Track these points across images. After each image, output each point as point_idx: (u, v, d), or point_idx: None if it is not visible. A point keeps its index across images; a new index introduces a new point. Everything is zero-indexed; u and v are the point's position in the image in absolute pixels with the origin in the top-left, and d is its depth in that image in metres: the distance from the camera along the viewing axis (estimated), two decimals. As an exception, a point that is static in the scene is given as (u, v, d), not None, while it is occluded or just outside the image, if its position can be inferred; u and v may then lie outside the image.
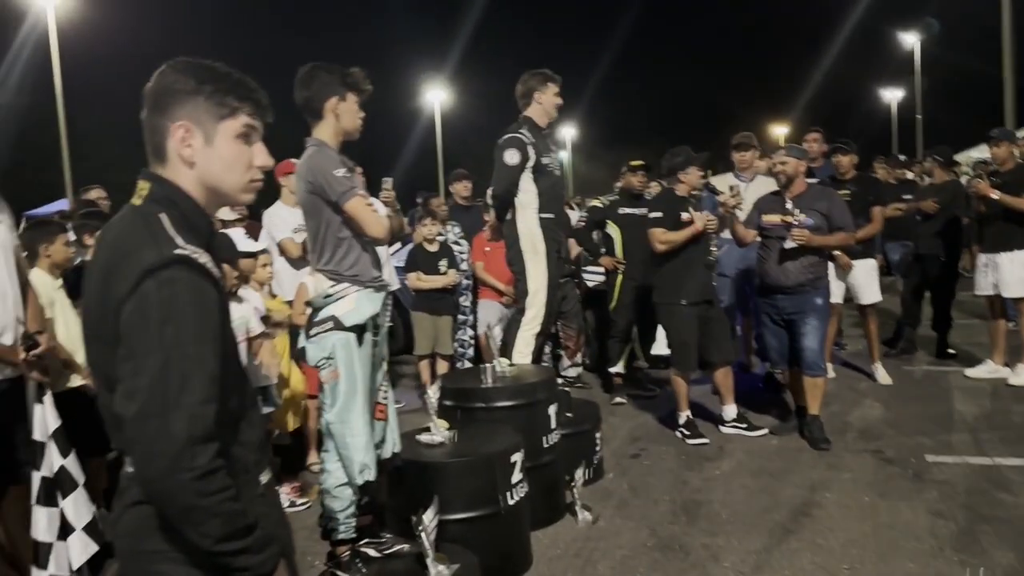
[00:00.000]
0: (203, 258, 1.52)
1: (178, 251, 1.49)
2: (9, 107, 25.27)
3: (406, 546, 3.22)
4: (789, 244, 5.02)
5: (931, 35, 37.72)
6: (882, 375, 6.59)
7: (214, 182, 1.64)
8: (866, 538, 3.80)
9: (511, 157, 4.75)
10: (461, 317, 7.05)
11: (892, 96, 44.38)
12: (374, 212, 3.16)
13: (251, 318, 4.17)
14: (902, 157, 9.81)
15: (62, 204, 11.74)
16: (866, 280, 6.53)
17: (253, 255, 4.40)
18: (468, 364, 6.94)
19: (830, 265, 5.46)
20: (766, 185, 5.91)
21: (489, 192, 5.07)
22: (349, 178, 3.07)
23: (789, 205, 5.06)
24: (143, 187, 1.62)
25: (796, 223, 4.99)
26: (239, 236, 4.49)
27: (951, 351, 7.34)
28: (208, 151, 1.61)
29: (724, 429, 5.54)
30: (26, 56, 24.89)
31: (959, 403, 5.93)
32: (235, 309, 3.85)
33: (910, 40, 37.15)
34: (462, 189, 7.74)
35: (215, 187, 1.65)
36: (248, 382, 1.76)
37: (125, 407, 1.44)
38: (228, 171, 1.64)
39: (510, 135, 4.83)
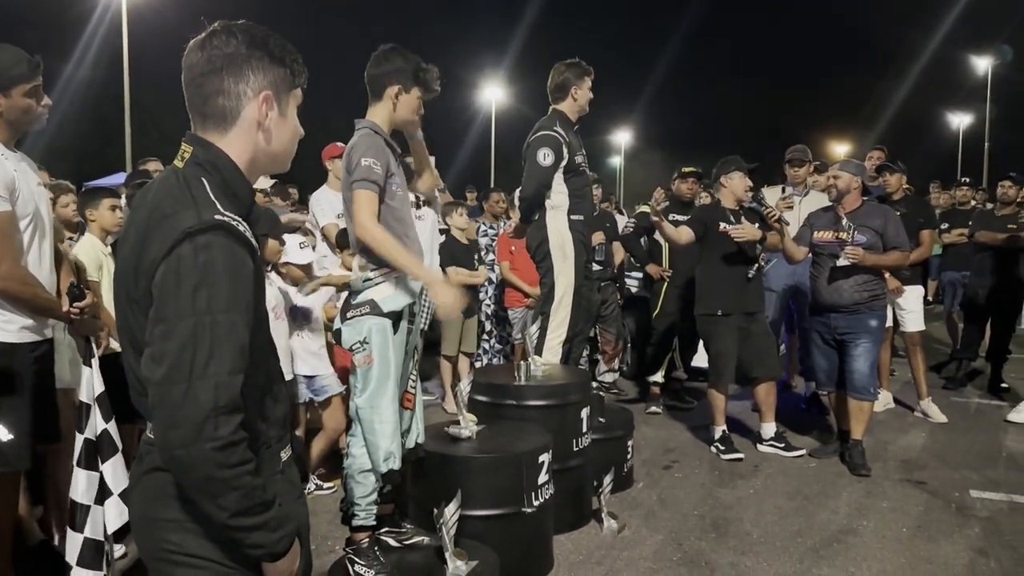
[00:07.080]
0: (241, 226, 1.49)
1: (218, 216, 1.46)
2: (83, 81, 26.02)
3: (426, 539, 3.19)
4: (842, 262, 4.87)
5: (1004, 61, 36.70)
6: (935, 412, 6.22)
7: (279, 150, 1.65)
8: (901, 571, 3.65)
9: (545, 157, 4.53)
10: (482, 318, 6.92)
11: (960, 121, 43.25)
12: (370, 213, 2.98)
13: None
14: (965, 180, 9.37)
15: (120, 177, 11.96)
16: (912, 306, 6.32)
17: (305, 267, 4.42)
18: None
19: None
20: (819, 200, 5.74)
21: (517, 192, 4.86)
22: (373, 169, 2.96)
23: (844, 221, 4.90)
24: (186, 150, 1.59)
25: (849, 240, 4.84)
26: (294, 246, 4.46)
27: (1004, 385, 7.08)
28: (280, 121, 1.62)
29: (761, 447, 5.40)
30: (101, 32, 25.59)
31: (1009, 439, 5.70)
32: (269, 286, 3.86)
33: (983, 65, 36.13)
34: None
35: (277, 155, 1.66)
36: (275, 357, 1.74)
37: (151, 370, 1.41)
38: (292, 140, 1.68)
39: (543, 132, 4.59)
